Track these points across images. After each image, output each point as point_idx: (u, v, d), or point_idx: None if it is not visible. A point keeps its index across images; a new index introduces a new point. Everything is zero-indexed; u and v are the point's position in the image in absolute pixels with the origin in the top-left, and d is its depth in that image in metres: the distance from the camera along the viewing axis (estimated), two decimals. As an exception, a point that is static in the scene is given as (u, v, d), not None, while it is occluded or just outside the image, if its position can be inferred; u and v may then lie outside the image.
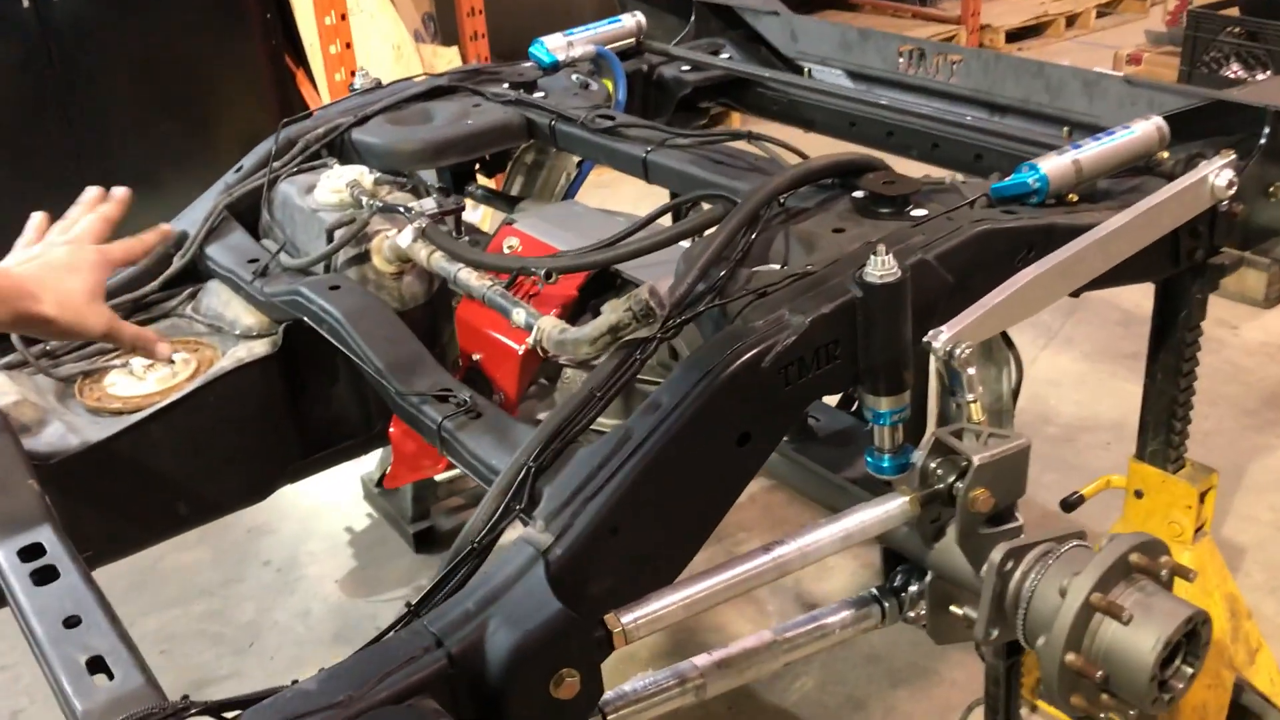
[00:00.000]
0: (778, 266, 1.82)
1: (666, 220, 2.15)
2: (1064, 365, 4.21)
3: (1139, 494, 2.41)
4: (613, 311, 1.63)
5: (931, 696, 2.67)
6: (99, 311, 1.85)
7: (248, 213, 2.51)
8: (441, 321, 2.33)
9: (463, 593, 1.46)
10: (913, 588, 1.82)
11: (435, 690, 1.38)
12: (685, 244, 1.95)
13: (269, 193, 2.47)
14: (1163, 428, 2.34)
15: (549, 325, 1.72)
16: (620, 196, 4.79)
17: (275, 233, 2.44)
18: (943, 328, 1.68)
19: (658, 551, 1.55)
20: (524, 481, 1.55)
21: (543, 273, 1.79)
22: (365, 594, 3.19)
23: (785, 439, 2.00)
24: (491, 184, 2.91)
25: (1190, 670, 1.59)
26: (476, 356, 2.28)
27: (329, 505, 3.52)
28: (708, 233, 1.90)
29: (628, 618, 1.47)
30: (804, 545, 1.57)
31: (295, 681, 1.35)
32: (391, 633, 1.46)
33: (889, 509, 1.63)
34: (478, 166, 2.86)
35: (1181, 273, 2.13)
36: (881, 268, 1.61)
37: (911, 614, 1.83)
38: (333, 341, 1.99)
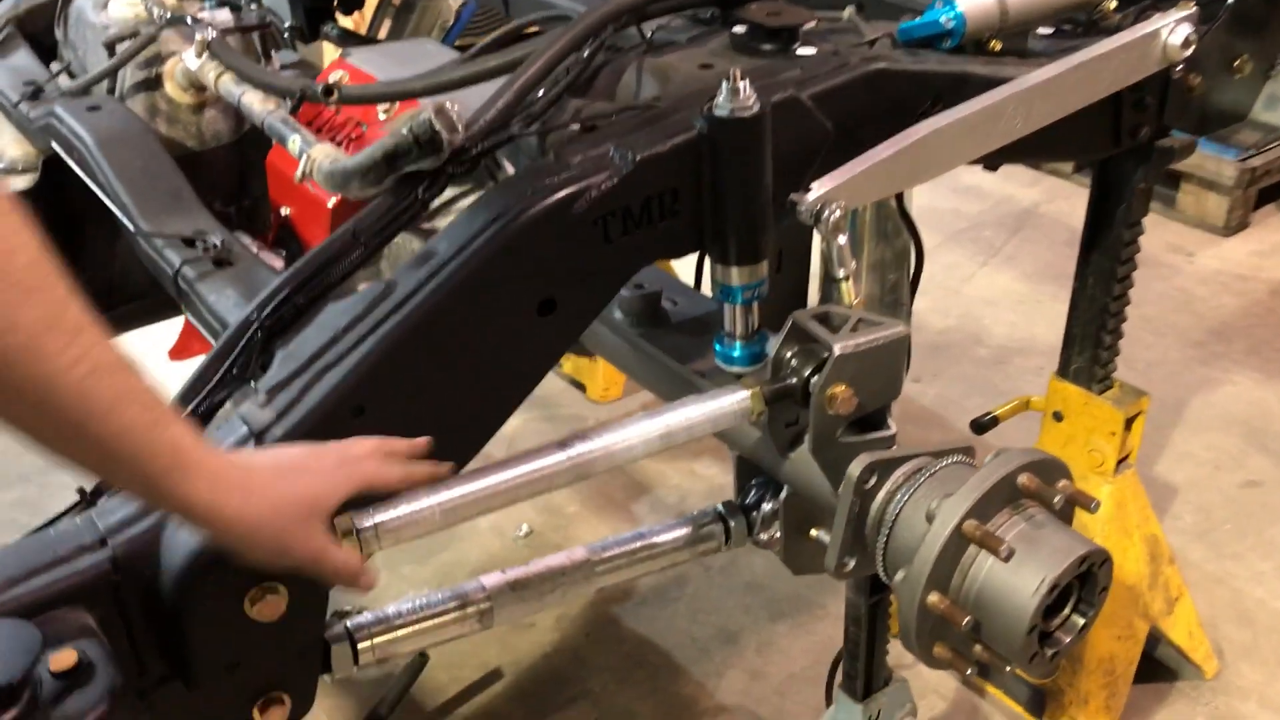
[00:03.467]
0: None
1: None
2: (1003, 284, 3.89)
3: (1058, 416, 2.10)
4: (391, 136, 1.27)
5: (812, 632, 2.38)
6: None
7: (43, 33, 2.13)
8: (253, 172, 1.97)
9: (150, 479, 1.12)
10: (766, 506, 1.51)
11: (97, 598, 1.06)
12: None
13: (64, 8, 2.07)
14: (1090, 341, 2.03)
15: (320, 154, 1.37)
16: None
17: (66, 55, 2.05)
18: (813, 183, 1.34)
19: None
20: (250, 342, 1.20)
21: (319, 89, 1.42)
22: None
23: (633, 324, 1.66)
24: (350, 24, 2.52)
25: (1082, 621, 1.30)
26: (286, 211, 1.92)
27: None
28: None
29: (367, 521, 1.13)
30: (610, 443, 1.24)
31: None
32: (62, 520, 1.13)
33: (722, 403, 1.31)
34: (335, 3, 2.46)
35: (1123, 155, 1.80)
36: (733, 99, 1.26)
37: (764, 536, 1.53)
38: (79, 172, 1.62)
